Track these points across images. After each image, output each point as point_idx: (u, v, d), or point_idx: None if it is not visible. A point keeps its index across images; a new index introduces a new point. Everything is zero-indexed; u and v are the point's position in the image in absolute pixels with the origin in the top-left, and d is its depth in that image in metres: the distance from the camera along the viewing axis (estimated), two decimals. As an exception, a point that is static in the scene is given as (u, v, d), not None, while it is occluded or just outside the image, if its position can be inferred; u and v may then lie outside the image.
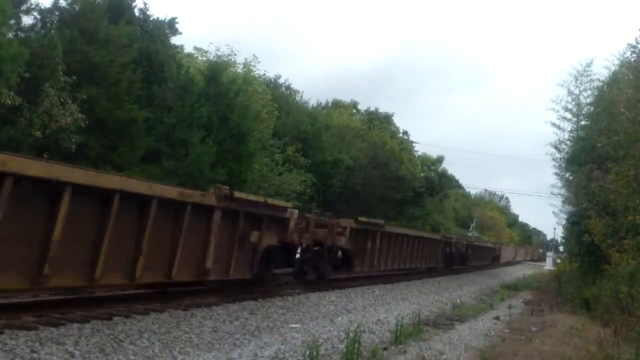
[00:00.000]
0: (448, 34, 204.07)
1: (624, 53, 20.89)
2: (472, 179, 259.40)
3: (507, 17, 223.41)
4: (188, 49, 34.39)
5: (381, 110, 57.05)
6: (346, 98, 70.24)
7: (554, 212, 29.26)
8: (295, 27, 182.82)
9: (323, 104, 52.75)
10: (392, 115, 57.33)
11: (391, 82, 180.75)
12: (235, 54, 32.75)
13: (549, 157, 25.52)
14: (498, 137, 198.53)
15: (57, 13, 20.90)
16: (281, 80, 42.55)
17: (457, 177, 77.23)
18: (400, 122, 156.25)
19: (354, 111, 53.55)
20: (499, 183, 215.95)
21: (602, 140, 17.04)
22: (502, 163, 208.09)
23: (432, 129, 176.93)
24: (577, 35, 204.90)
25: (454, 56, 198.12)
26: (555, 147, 24.58)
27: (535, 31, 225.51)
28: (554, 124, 24.26)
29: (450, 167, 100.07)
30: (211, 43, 43.52)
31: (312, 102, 51.24)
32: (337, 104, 52.83)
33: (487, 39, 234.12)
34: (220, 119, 24.90)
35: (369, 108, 56.68)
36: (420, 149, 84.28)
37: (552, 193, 27.51)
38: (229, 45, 33.78)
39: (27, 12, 19.46)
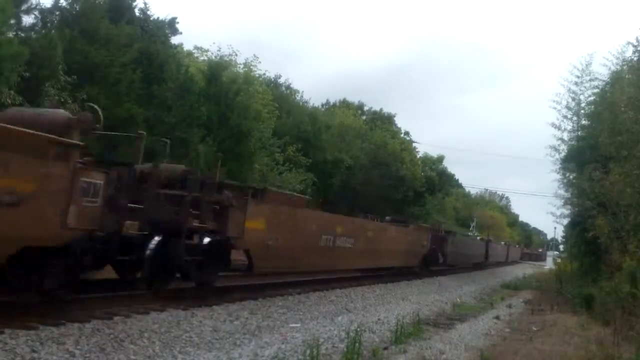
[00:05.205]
0: (464, 34, 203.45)
1: (623, 51, 20.88)
2: (474, 179, 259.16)
3: (522, 17, 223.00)
4: (192, 48, 34.38)
5: (390, 110, 57.31)
6: (359, 98, 70.58)
7: (552, 213, 28.90)
8: (309, 27, 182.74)
9: (331, 104, 52.83)
10: (394, 116, 57.54)
11: (405, 81, 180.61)
12: (236, 54, 32.69)
13: (549, 159, 25.42)
14: (503, 137, 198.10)
15: (57, 13, 20.90)
16: (281, 80, 42.56)
17: (457, 176, 77.34)
18: (409, 123, 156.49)
19: (359, 112, 53.46)
20: (500, 183, 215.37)
21: (603, 140, 17.03)
22: (504, 163, 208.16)
23: (440, 129, 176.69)
24: (587, 35, 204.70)
25: (469, 56, 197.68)
26: (555, 149, 24.52)
27: (550, 32, 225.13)
28: (553, 125, 24.20)
29: (452, 166, 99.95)
30: (214, 43, 43.58)
31: (321, 102, 51.60)
32: (344, 104, 52.75)
33: (502, 39, 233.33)
34: (220, 118, 24.89)
35: (372, 108, 56.80)
36: (422, 149, 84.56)
37: (555, 195, 27.34)
38: (230, 45, 33.58)
39: (28, 11, 19.45)
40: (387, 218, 27.81)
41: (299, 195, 19.06)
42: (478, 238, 54.13)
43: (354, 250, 19.61)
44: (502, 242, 68.48)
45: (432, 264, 30.58)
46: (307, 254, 16.63)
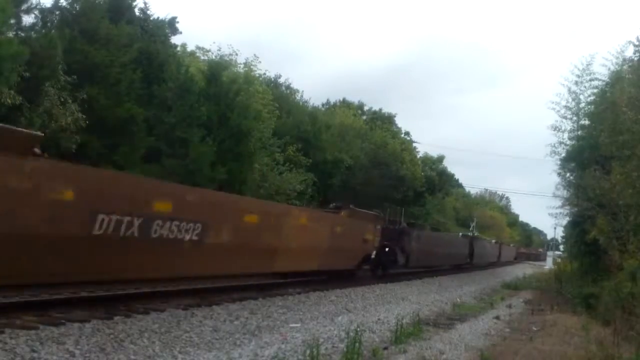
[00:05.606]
0: (464, 34, 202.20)
1: (623, 51, 20.88)
2: (474, 179, 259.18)
3: (522, 17, 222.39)
4: (194, 48, 34.43)
5: (390, 110, 57.31)
6: (359, 98, 70.59)
7: (551, 214, 28.68)
8: (310, 27, 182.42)
9: (332, 104, 52.85)
10: (395, 116, 57.56)
11: (405, 81, 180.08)
12: (236, 54, 32.71)
13: (550, 159, 25.37)
14: (503, 137, 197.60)
15: (57, 12, 20.87)
16: (281, 80, 42.55)
17: (457, 176, 77.30)
18: (409, 123, 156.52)
19: (359, 112, 53.45)
20: (500, 183, 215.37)
21: (604, 140, 17.01)
22: (504, 163, 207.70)
23: (440, 129, 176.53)
24: (587, 35, 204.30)
25: (469, 56, 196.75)
26: (554, 151, 24.51)
27: (550, 32, 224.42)
28: (553, 127, 24.19)
29: (452, 166, 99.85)
30: (214, 42, 43.63)
31: (322, 102, 51.63)
32: (344, 104, 52.74)
33: (503, 39, 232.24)
34: (220, 118, 24.87)
35: (372, 108, 56.81)
36: (423, 149, 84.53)
37: (554, 195, 27.27)
38: (230, 45, 33.57)
39: (28, 11, 19.41)
40: (331, 205, 21.63)
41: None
42: (460, 235, 45.77)
43: (206, 247, 11.83)
44: (493, 240, 60.28)
45: (387, 266, 24.36)
46: (43, 252, 8.57)
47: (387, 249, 23.59)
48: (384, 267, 24.18)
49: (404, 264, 24.99)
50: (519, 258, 79.38)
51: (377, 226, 21.99)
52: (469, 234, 53.48)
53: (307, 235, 16.23)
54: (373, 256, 21.97)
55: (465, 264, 39.30)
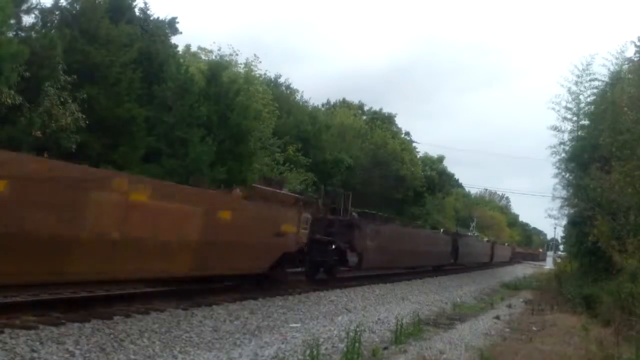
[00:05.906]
0: (465, 34, 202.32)
1: (623, 51, 20.90)
2: (474, 179, 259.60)
3: (523, 17, 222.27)
4: (196, 49, 34.59)
5: (390, 110, 57.45)
6: (359, 98, 70.81)
7: (551, 215, 28.48)
8: (311, 27, 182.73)
9: (332, 104, 52.92)
10: (395, 116, 57.67)
11: (405, 81, 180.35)
12: (237, 54, 32.79)
13: (551, 160, 25.35)
14: (503, 137, 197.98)
15: (57, 12, 20.87)
16: (281, 80, 42.60)
17: (457, 176, 77.36)
18: (409, 123, 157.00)
19: (359, 112, 53.52)
20: (500, 183, 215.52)
21: (605, 139, 17.01)
22: (504, 163, 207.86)
23: (440, 129, 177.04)
24: (587, 35, 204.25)
25: (470, 56, 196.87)
26: (555, 151, 24.50)
27: (550, 32, 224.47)
28: (554, 127, 24.19)
29: (452, 166, 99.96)
30: (214, 42, 43.80)
31: (322, 102, 51.76)
32: (344, 104, 52.80)
33: (503, 39, 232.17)
34: (220, 118, 24.89)
35: (372, 108, 56.90)
36: (423, 149, 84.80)
37: (553, 197, 27.24)
38: (230, 45, 33.75)
39: (28, 11, 19.41)
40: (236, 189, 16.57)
41: None
42: (441, 231, 39.68)
43: None
44: (486, 239, 55.75)
45: (333, 268, 19.19)
46: None
47: (333, 246, 18.57)
48: (328, 269, 19.17)
49: (356, 266, 20.14)
50: (515, 258, 73.80)
51: (305, 214, 16.12)
52: (469, 233, 52.89)
53: (155, 222, 10.21)
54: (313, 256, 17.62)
55: (447, 264, 34.18)
